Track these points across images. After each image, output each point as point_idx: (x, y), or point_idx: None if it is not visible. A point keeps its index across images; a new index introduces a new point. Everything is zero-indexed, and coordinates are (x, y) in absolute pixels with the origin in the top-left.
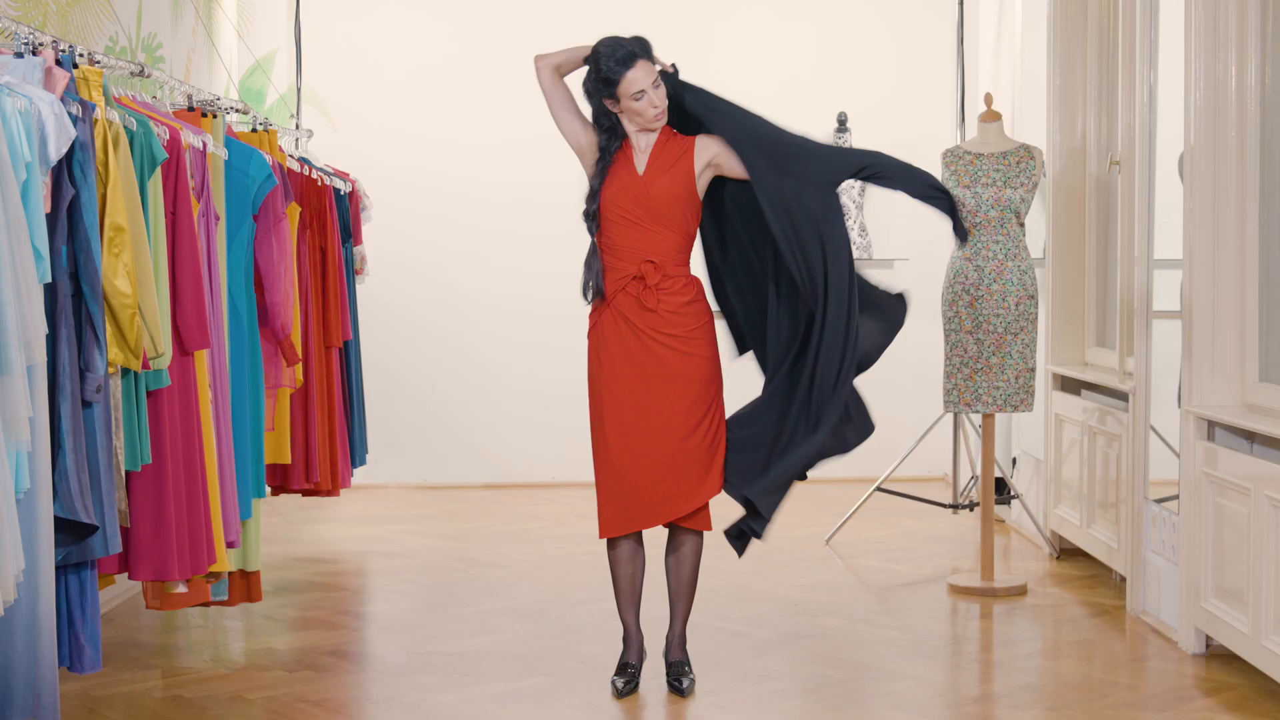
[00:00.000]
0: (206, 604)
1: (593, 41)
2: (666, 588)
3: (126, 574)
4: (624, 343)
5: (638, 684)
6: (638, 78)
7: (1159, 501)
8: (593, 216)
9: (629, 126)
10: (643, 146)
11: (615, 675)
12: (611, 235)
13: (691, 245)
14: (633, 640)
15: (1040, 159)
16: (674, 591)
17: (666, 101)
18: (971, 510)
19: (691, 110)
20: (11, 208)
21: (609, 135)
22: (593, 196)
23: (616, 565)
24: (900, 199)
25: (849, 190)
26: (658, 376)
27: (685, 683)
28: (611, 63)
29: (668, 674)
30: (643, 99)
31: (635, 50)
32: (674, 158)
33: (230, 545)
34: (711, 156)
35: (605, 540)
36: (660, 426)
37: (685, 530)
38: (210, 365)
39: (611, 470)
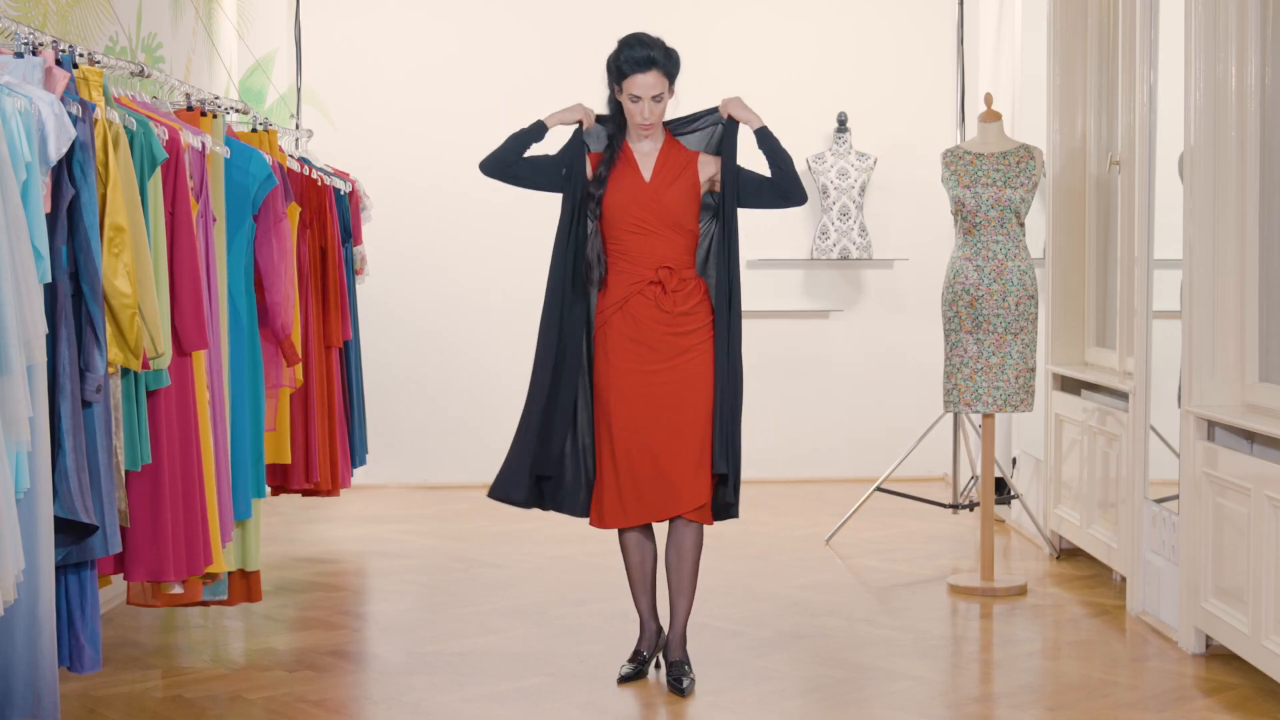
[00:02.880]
0: (195, 603)
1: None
2: (668, 584)
3: (123, 575)
4: (636, 343)
5: (643, 673)
6: (644, 84)
7: (1159, 501)
8: (597, 202)
9: (629, 122)
10: (645, 150)
11: (626, 661)
12: (623, 242)
13: (696, 246)
14: (646, 628)
15: (1040, 159)
16: (675, 587)
17: (658, 120)
18: (971, 510)
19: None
20: (11, 208)
21: (616, 126)
22: (598, 183)
23: (627, 553)
24: (901, 200)
25: (850, 191)
26: (670, 375)
27: (685, 683)
28: (630, 59)
29: (667, 674)
30: (637, 104)
31: (656, 59)
32: (680, 167)
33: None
34: (710, 175)
35: (615, 531)
36: (675, 422)
37: (686, 523)
38: (208, 366)
39: (618, 465)
